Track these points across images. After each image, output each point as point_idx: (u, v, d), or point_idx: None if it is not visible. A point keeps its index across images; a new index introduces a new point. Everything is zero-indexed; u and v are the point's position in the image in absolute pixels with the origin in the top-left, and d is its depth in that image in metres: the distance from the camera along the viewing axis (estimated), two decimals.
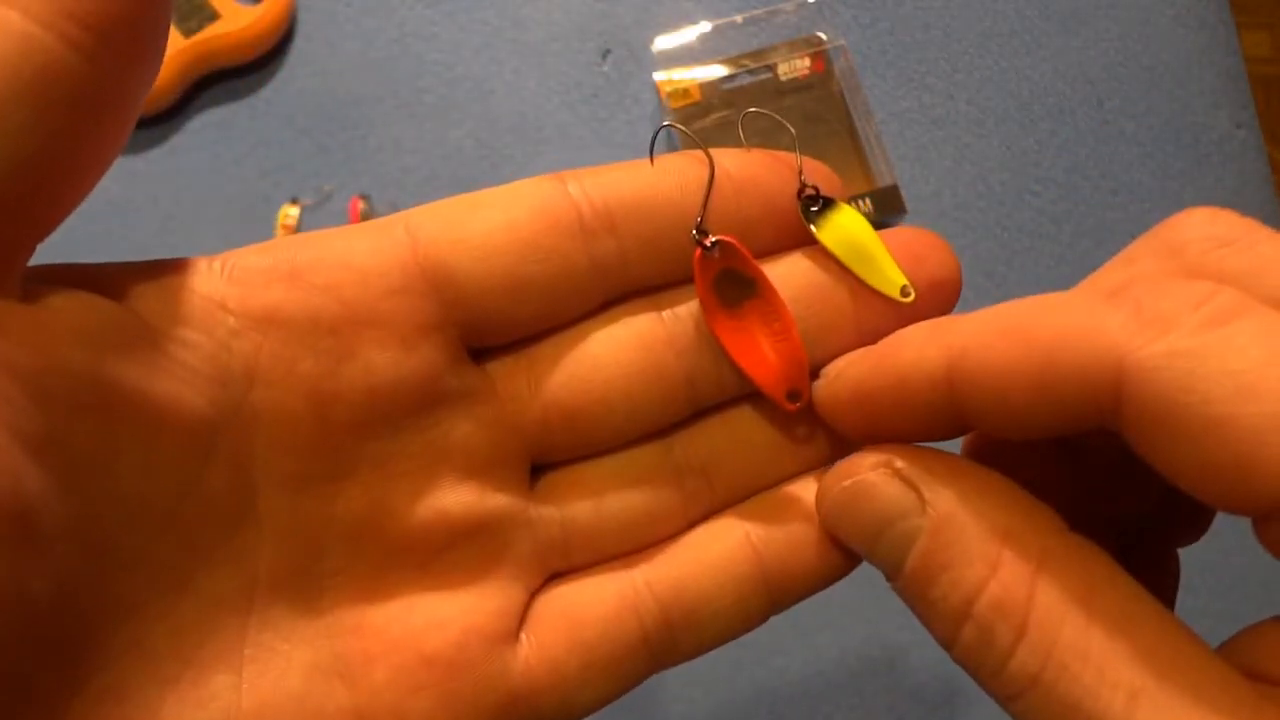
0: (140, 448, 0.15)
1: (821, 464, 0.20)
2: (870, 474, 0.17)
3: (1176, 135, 0.48)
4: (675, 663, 0.19)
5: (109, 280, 0.15)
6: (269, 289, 0.16)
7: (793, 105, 0.46)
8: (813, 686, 0.41)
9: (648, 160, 0.19)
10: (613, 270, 0.18)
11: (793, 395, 0.19)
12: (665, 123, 0.20)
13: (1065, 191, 0.47)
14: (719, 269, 0.19)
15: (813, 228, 0.19)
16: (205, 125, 0.47)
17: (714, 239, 0.18)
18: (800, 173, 0.19)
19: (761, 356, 0.19)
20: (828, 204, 0.19)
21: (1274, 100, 1.28)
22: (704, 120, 0.46)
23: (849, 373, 0.18)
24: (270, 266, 0.17)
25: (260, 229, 0.46)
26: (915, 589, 0.16)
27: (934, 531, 0.16)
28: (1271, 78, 1.28)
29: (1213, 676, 0.14)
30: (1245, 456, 0.13)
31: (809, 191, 0.19)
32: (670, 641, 0.19)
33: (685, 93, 0.46)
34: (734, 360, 0.19)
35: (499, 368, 0.19)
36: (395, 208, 0.46)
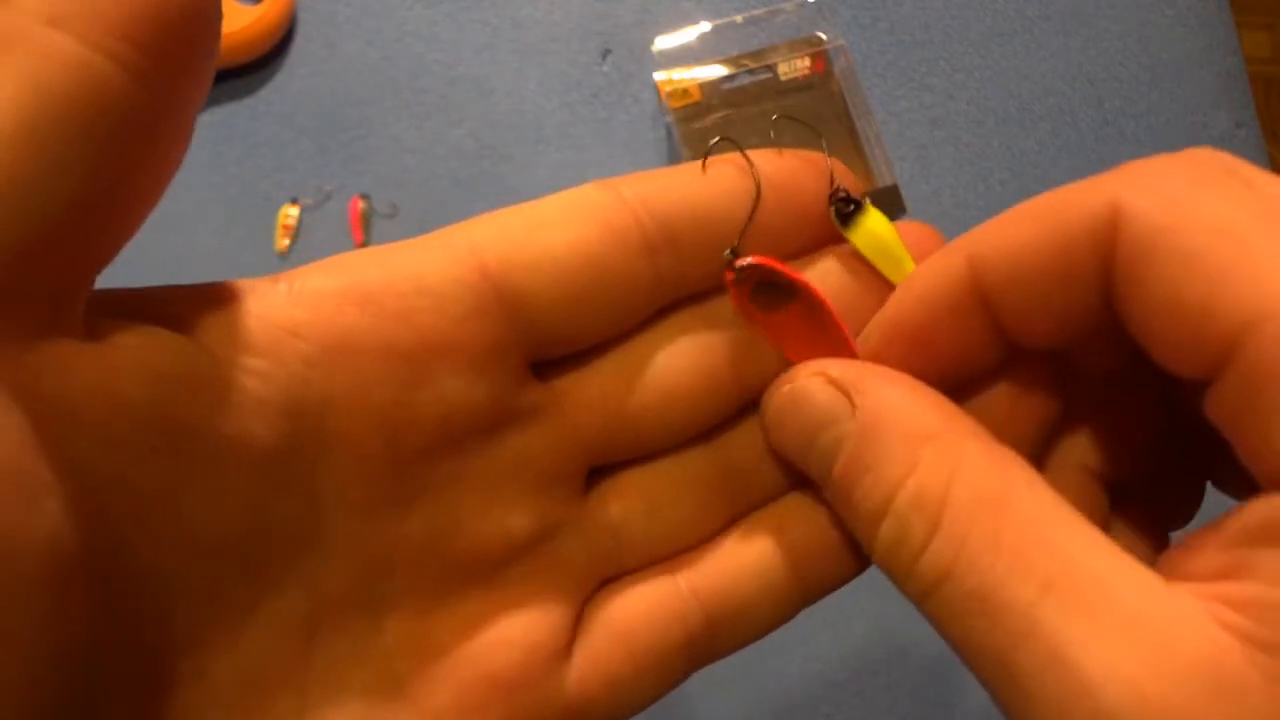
0: (208, 484, 0.14)
1: None
2: (805, 380, 0.18)
3: (1176, 135, 0.48)
4: (712, 661, 0.20)
5: (173, 308, 0.15)
6: (342, 314, 0.16)
7: (793, 105, 0.46)
8: (813, 686, 0.41)
9: (698, 165, 0.19)
10: (670, 281, 0.18)
11: None
12: (720, 138, 0.20)
13: None
14: (755, 281, 0.19)
15: (845, 231, 0.19)
16: (205, 125, 0.47)
17: (742, 264, 0.18)
18: (832, 176, 0.19)
19: (811, 354, 0.19)
20: (857, 207, 0.19)
21: (1274, 100, 1.28)
22: (704, 120, 0.46)
23: (883, 319, 0.19)
24: (340, 289, 0.16)
25: (260, 229, 0.46)
26: (842, 492, 0.17)
27: (860, 434, 0.17)
28: (1271, 78, 1.28)
29: (1125, 573, 0.14)
30: (1207, 296, 0.14)
31: (841, 194, 0.19)
32: (711, 642, 0.19)
33: (685, 93, 0.46)
34: (790, 360, 0.19)
35: (561, 381, 0.18)
36: (395, 208, 0.46)
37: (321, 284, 0.16)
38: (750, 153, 0.19)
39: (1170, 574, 0.14)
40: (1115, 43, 0.48)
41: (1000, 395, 0.19)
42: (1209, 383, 0.15)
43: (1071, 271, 0.16)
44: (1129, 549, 0.15)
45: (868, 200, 0.20)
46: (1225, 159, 0.16)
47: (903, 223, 0.20)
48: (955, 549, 0.15)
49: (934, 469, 0.16)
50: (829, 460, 0.17)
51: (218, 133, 0.47)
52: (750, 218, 0.18)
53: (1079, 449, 0.19)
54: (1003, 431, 0.17)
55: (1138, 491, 0.20)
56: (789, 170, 0.19)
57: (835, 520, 0.19)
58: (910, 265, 0.19)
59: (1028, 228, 0.16)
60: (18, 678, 0.11)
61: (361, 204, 0.46)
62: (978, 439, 0.16)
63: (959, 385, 0.19)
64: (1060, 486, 0.16)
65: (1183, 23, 0.49)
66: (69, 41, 0.12)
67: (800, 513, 0.20)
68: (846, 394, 0.17)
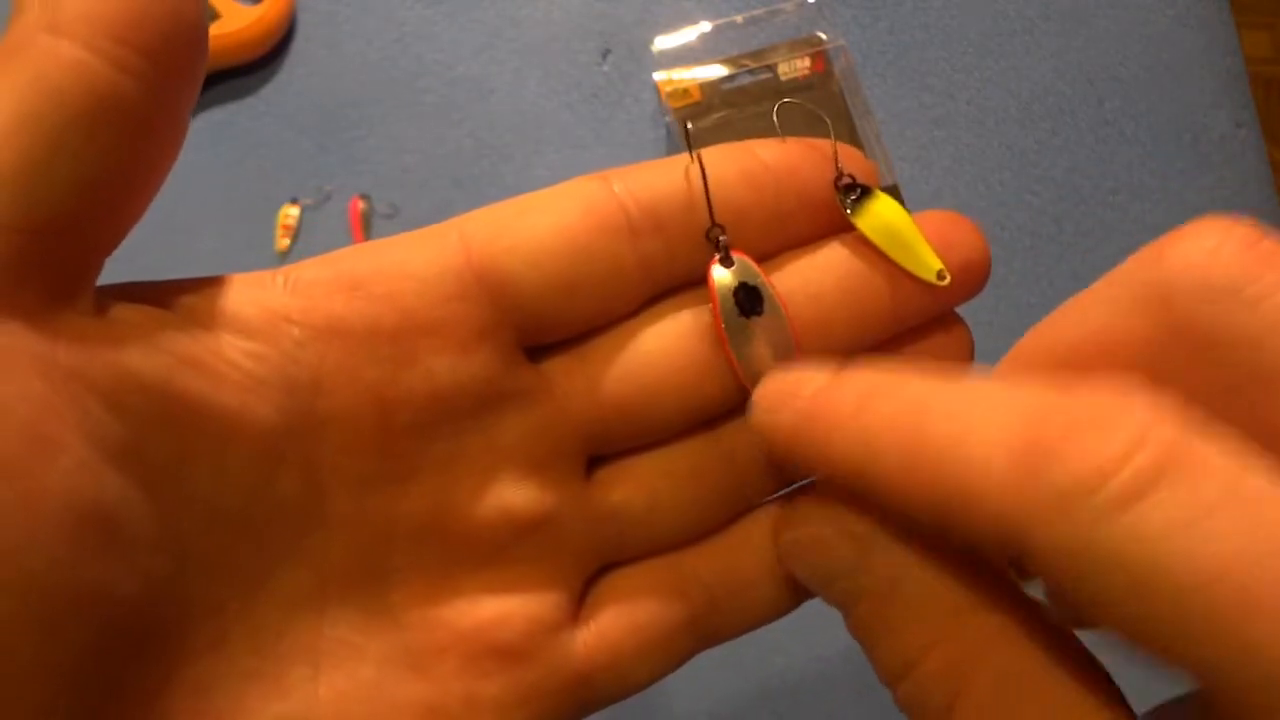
0: (212, 456, 0.15)
1: None
2: (819, 528, 0.18)
3: (1176, 135, 0.48)
4: (719, 643, 0.20)
5: (175, 294, 0.16)
6: (331, 300, 0.17)
7: (791, 112, 0.46)
8: (814, 687, 0.41)
9: (688, 156, 0.19)
10: (659, 267, 0.19)
11: None
12: (693, 120, 0.20)
13: (1065, 191, 0.47)
14: (739, 283, 0.19)
15: (851, 215, 0.19)
16: (205, 125, 0.47)
17: (725, 257, 0.19)
18: (836, 160, 0.19)
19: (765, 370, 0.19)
20: (865, 192, 0.19)
21: (1274, 100, 1.28)
22: (704, 120, 0.46)
23: (778, 422, 0.18)
24: (331, 278, 0.17)
25: (260, 229, 0.46)
26: (860, 636, 0.17)
27: (875, 595, 0.17)
28: (1271, 78, 1.28)
29: None
30: (1154, 645, 0.12)
31: (846, 180, 0.19)
32: (716, 624, 0.20)
33: (685, 93, 0.46)
34: (736, 370, 0.19)
35: (554, 365, 0.19)
36: (395, 208, 0.46)
37: (314, 275, 0.17)
38: (752, 141, 0.19)
39: None
40: (1115, 43, 0.48)
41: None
42: None
43: (967, 544, 0.15)
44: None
45: (878, 185, 0.19)
46: (1221, 274, 0.13)
47: (928, 211, 0.20)
48: None
49: (956, 649, 0.15)
50: (844, 608, 0.17)
51: (218, 133, 0.47)
52: (708, 200, 0.18)
53: None
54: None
55: None
56: (791, 157, 0.19)
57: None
58: (924, 250, 0.19)
59: (919, 501, 0.14)
60: (42, 620, 0.12)
61: (361, 204, 0.46)
62: (1003, 609, 0.16)
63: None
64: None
65: (1183, 23, 0.49)
66: (69, 46, 0.14)
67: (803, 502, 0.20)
68: (863, 549, 0.17)
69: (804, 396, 0.17)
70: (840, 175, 0.19)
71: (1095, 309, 0.15)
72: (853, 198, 0.19)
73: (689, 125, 0.20)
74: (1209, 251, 0.13)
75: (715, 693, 0.41)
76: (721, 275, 0.19)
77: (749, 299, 0.19)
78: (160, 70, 0.14)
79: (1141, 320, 0.14)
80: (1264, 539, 0.11)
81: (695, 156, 0.19)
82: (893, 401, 0.15)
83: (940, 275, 0.19)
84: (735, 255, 0.19)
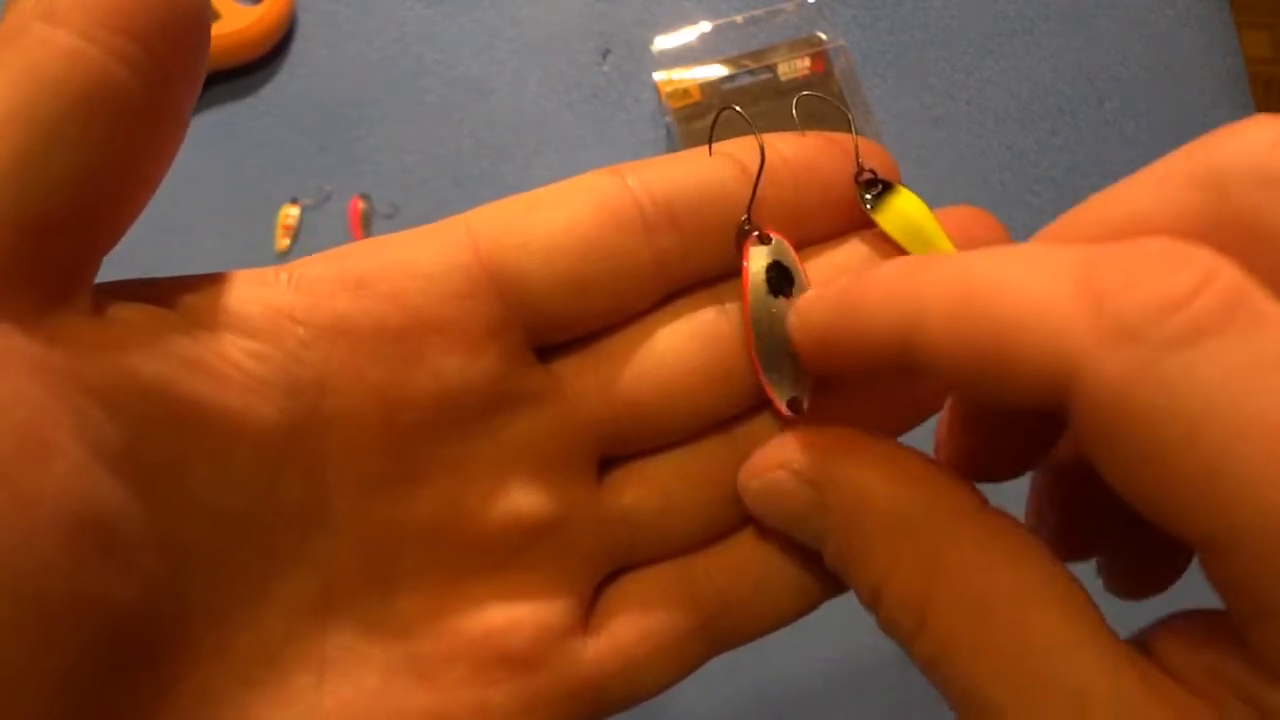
0: (214, 458, 0.15)
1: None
2: (773, 475, 0.18)
3: (1176, 135, 0.47)
4: (731, 648, 0.20)
5: (175, 293, 0.16)
6: (335, 298, 0.16)
7: (804, 106, 0.46)
8: (814, 687, 0.41)
9: (705, 150, 0.18)
10: (674, 263, 0.18)
11: (794, 403, 0.19)
12: (725, 106, 0.19)
13: (1065, 191, 0.47)
14: (771, 260, 0.18)
15: (871, 212, 0.19)
16: (205, 125, 0.47)
17: (762, 234, 0.18)
18: (857, 155, 0.19)
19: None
20: (886, 187, 0.19)
21: (1274, 100, 1.28)
22: (704, 120, 0.46)
23: (814, 315, 0.17)
24: (336, 276, 0.17)
25: (260, 229, 0.46)
26: (837, 570, 0.18)
27: (838, 530, 0.17)
28: (1271, 78, 1.28)
29: (1100, 679, 0.14)
30: (1183, 498, 0.12)
31: (866, 175, 0.19)
32: (728, 629, 0.19)
33: (685, 93, 0.46)
34: (751, 355, 0.19)
35: (565, 366, 0.18)
36: (395, 208, 0.46)
37: (319, 272, 0.17)
38: (771, 135, 0.19)
39: (1158, 657, 0.14)
40: (1115, 43, 0.48)
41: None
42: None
43: (1015, 399, 0.14)
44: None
45: (899, 182, 0.19)
46: (1220, 277, 0.12)
47: (950, 207, 0.19)
48: (938, 649, 0.15)
49: (913, 569, 0.16)
50: (818, 547, 0.18)
51: (218, 133, 0.47)
52: (753, 195, 0.18)
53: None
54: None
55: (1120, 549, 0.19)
56: (811, 150, 0.19)
57: None
58: (947, 247, 0.18)
59: (970, 327, 0.14)
60: (38, 627, 0.12)
61: (361, 204, 0.46)
62: (960, 520, 0.16)
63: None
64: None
65: (1183, 23, 0.49)
66: (65, 35, 0.13)
67: None
68: (817, 489, 0.17)
69: (841, 284, 0.17)
70: (861, 170, 0.19)
71: (1144, 191, 0.15)
72: (874, 193, 0.19)
73: (737, 109, 0.19)
74: (1269, 144, 0.13)
75: (714, 693, 0.41)
76: (757, 251, 0.18)
77: (780, 278, 0.18)
78: (158, 60, 0.14)
79: (1193, 203, 0.14)
80: None
81: (758, 141, 0.18)
82: (937, 268, 0.15)
83: None
84: (773, 234, 0.18)
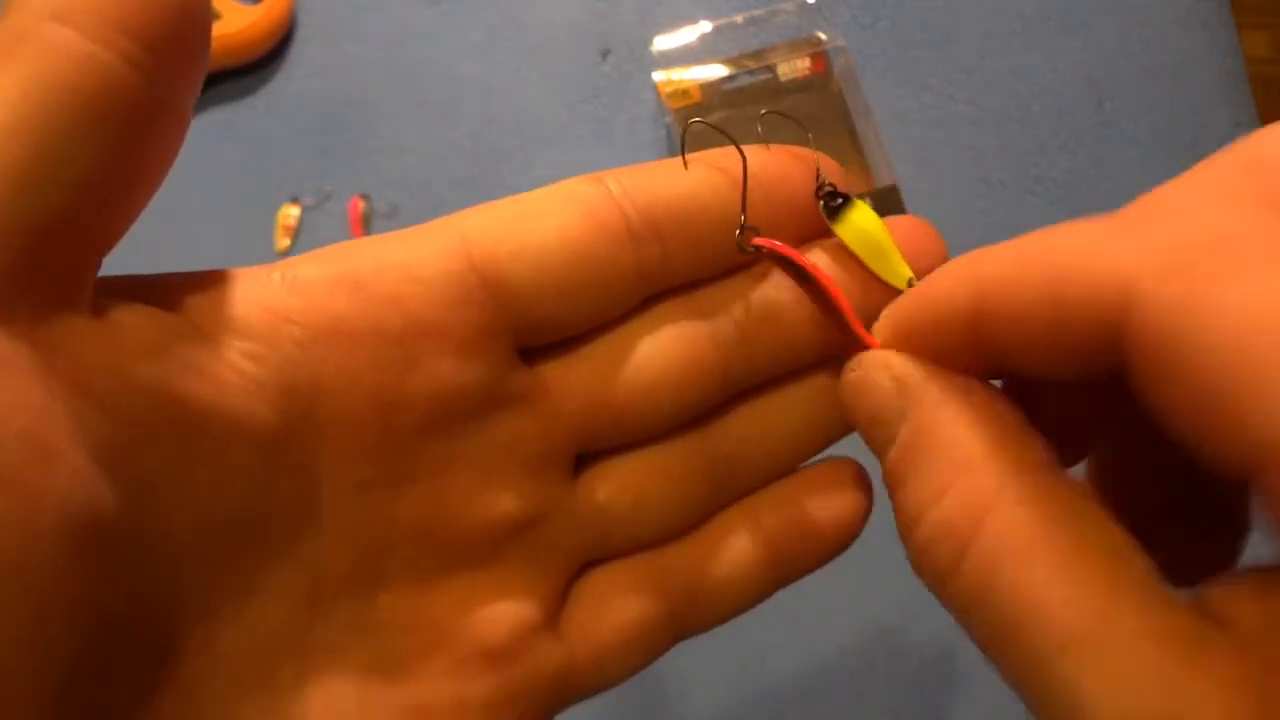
0: (210, 460, 0.15)
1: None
2: (870, 370, 0.18)
3: (1176, 135, 0.48)
4: (695, 633, 0.21)
5: (172, 292, 0.16)
6: (332, 300, 0.17)
7: (793, 105, 0.46)
8: (813, 686, 0.41)
9: (681, 160, 0.19)
10: (655, 271, 0.19)
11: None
12: (694, 119, 0.20)
13: (1065, 191, 0.47)
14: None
15: (831, 223, 0.20)
16: (205, 125, 0.47)
17: (759, 242, 0.19)
18: (818, 170, 0.20)
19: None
20: (845, 200, 0.20)
21: (1274, 100, 1.28)
22: (699, 145, 0.46)
23: (894, 311, 0.18)
24: (332, 277, 0.17)
25: (260, 229, 0.46)
26: (889, 482, 0.17)
27: (906, 443, 0.17)
28: (1271, 78, 1.28)
29: (1148, 635, 0.13)
30: (1234, 417, 0.12)
31: (828, 188, 0.20)
32: (692, 618, 0.20)
33: (685, 93, 0.46)
34: (835, 302, 0.19)
35: (548, 367, 0.19)
36: (395, 208, 0.46)
37: (314, 272, 0.17)
38: (742, 147, 0.19)
39: (1213, 609, 0.14)
40: (1115, 43, 0.48)
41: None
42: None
43: (1077, 348, 0.15)
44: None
45: (856, 195, 0.20)
46: (1269, 186, 0.13)
47: (896, 218, 0.20)
48: (978, 587, 0.15)
49: (963, 504, 0.15)
50: (882, 451, 0.18)
51: (218, 133, 0.47)
52: (744, 195, 0.19)
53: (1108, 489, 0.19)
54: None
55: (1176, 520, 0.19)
56: (775, 164, 0.19)
57: (813, 506, 0.20)
58: (899, 261, 0.19)
59: (1031, 282, 0.15)
60: (35, 627, 0.12)
61: (361, 204, 0.46)
62: (1021, 473, 0.16)
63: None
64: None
65: (1183, 23, 0.49)
66: (74, 37, 0.13)
67: (780, 499, 0.21)
68: (904, 394, 0.17)
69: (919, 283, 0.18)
70: (822, 184, 0.20)
71: (1200, 173, 0.16)
72: (833, 206, 0.20)
73: (703, 120, 0.20)
74: None
75: (714, 693, 0.41)
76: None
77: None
78: (163, 63, 0.14)
79: (1240, 187, 0.14)
80: None
81: (741, 150, 0.19)
82: (997, 247, 0.16)
83: (910, 284, 0.19)
84: (766, 244, 0.19)
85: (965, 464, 0.16)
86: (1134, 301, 0.13)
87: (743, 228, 0.19)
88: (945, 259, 0.20)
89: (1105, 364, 0.14)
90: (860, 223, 0.19)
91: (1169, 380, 0.13)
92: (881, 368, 0.18)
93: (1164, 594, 0.14)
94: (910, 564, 0.17)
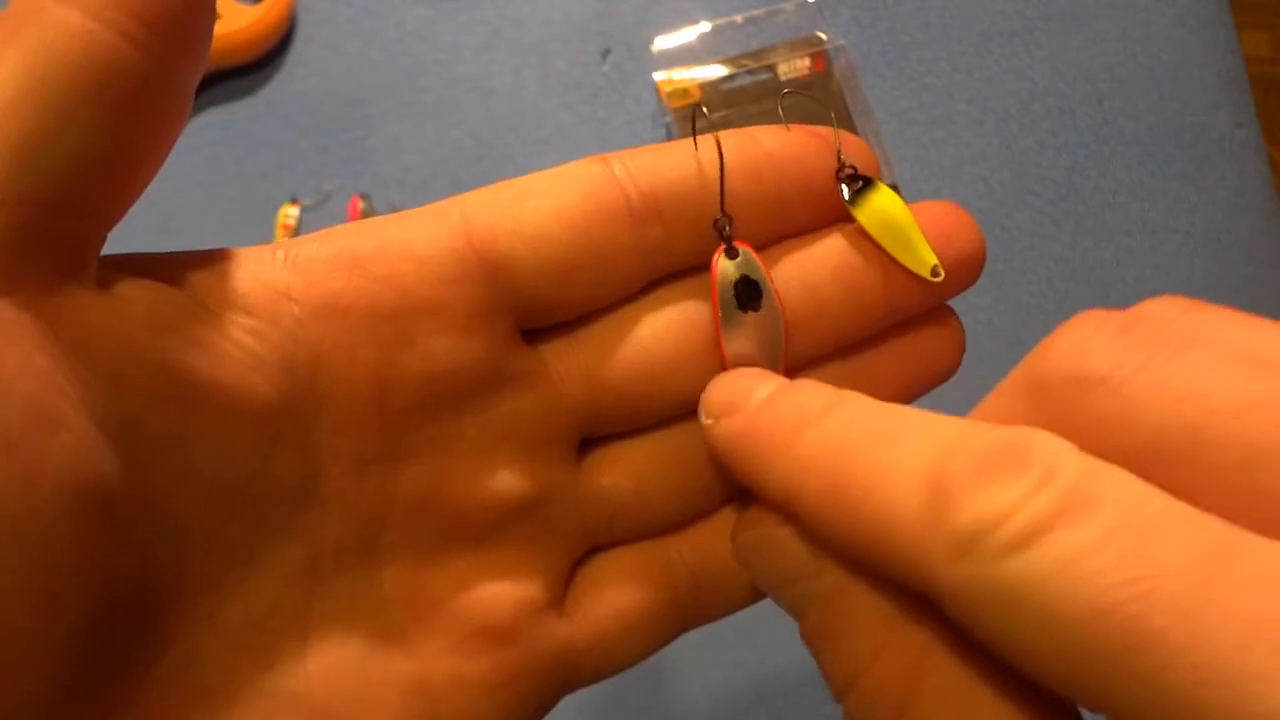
0: (212, 433, 0.15)
1: None
2: (775, 529, 0.17)
3: (1176, 135, 0.48)
4: (702, 623, 0.20)
5: (176, 269, 0.16)
6: (331, 278, 0.17)
7: (793, 105, 0.46)
8: (812, 686, 0.41)
9: (690, 141, 0.19)
10: (658, 253, 0.19)
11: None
12: (695, 104, 0.20)
13: (1065, 191, 0.47)
14: (739, 275, 0.19)
15: (851, 207, 0.19)
16: (205, 125, 0.47)
17: (730, 248, 0.19)
18: (839, 151, 0.19)
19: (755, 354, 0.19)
20: (866, 183, 0.19)
21: (1274, 100, 1.28)
22: (704, 120, 0.46)
23: (722, 439, 0.18)
24: (332, 256, 0.17)
25: (260, 229, 0.46)
26: (811, 644, 0.17)
27: (826, 600, 0.16)
28: (1271, 78, 1.28)
29: None
30: (1050, 683, 0.12)
31: (848, 171, 0.19)
32: (699, 608, 0.20)
33: (685, 93, 0.46)
34: (725, 366, 0.19)
35: (550, 348, 0.19)
36: (395, 208, 0.46)
37: (315, 251, 0.17)
38: (755, 128, 0.19)
39: None
40: (1115, 43, 0.48)
41: None
42: None
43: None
44: None
45: (880, 178, 0.19)
46: (1089, 364, 0.13)
47: (926, 202, 0.19)
48: None
49: (899, 659, 0.15)
50: (797, 612, 0.17)
51: (218, 133, 0.47)
52: (721, 186, 0.18)
53: None
54: None
55: None
56: (794, 145, 0.19)
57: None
58: (921, 245, 0.19)
59: (844, 518, 0.15)
60: (42, 590, 0.13)
61: (361, 204, 0.46)
62: (946, 623, 0.15)
63: None
64: None
65: (1183, 23, 0.49)
66: (77, 16, 0.14)
67: None
68: (815, 552, 0.16)
69: (744, 411, 0.17)
70: (842, 166, 0.19)
71: (991, 404, 0.16)
72: (854, 189, 0.19)
73: (704, 109, 0.20)
74: (1079, 345, 0.14)
75: (713, 693, 0.41)
76: (725, 265, 0.19)
77: (748, 293, 0.19)
78: (164, 41, 0.14)
79: (1027, 413, 0.14)
80: (1153, 565, 0.11)
81: (716, 141, 0.18)
82: (821, 433, 0.16)
83: (934, 271, 0.19)
84: (740, 247, 0.19)
85: (895, 622, 0.15)
86: (932, 581, 0.13)
87: (718, 220, 0.18)
88: (977, 243, 0.19)
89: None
90: (882, 206, 0.19)
91: (989, 643, 0.13)
92: (786, 524, 0.17)
93: None
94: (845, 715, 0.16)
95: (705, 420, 0.19)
